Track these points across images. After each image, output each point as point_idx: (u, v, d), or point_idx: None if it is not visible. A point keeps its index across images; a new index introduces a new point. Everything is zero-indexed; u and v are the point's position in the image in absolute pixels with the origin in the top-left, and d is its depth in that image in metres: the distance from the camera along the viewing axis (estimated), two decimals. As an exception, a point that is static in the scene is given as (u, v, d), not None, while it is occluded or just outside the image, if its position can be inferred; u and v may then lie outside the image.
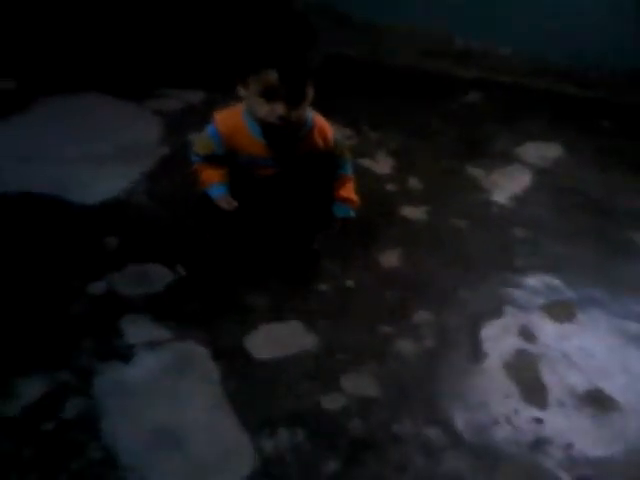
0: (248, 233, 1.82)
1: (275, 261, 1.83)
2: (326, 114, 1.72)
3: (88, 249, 1.81)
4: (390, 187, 2.25)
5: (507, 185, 2.33)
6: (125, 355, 1.51)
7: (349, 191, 1.77)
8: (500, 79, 3.15)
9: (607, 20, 2.93)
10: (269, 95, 1.50)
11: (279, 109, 1.51)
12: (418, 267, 1.89)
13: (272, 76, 1.47)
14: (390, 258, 1.91)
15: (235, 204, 1.68)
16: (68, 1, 2.91)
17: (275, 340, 1.61)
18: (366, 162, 2.37)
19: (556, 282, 1.88)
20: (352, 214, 1.78)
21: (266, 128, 1.59)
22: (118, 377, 1.47)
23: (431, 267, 1.90)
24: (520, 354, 1.65)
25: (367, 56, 3.16)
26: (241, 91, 1.57)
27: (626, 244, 2.09)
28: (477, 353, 1.64)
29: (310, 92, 1.55)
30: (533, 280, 1.88)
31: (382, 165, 2.37)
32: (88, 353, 1.51)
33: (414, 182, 2.29)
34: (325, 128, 1.70)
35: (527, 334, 1.71)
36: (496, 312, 1.76)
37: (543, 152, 2.58)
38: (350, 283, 1.81)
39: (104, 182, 2.08)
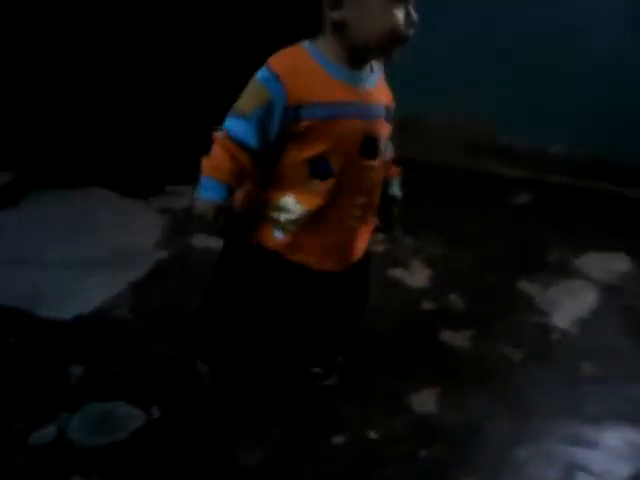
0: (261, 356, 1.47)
1: (281, 396, 1.45)
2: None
3: (45, 380, 1.45)
4: (426, 305, 1.87)
5: (568, 305, 1.94)
6: None
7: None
8: (551, 180, 2.82)
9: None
10: None
11: (400, 16, 1.13)
12: (461, 414, 1.47)
13: None
14: (426, 400, 1.50)
15: (221, 224, 1.18)
16: (77, 89, 2.69)
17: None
18: (398, 272, 2.02)
19: (643, 441, 1.44)
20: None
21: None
22: None
23: (477, 413, 1.47)
24: None
25: (400, 153, 2.85)
26: (333, 14, 1.15)
27: None
28: None
29: None
30: (612, 437, 1.43)
31: (417, 277, 2.02)
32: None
33: (455, 299, 1.91)
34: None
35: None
36: (566, 483, 1.32)
37: (608, 265, 2.19)
38: (373, 434, 1.39)
39: (83, 293, 1.76)
